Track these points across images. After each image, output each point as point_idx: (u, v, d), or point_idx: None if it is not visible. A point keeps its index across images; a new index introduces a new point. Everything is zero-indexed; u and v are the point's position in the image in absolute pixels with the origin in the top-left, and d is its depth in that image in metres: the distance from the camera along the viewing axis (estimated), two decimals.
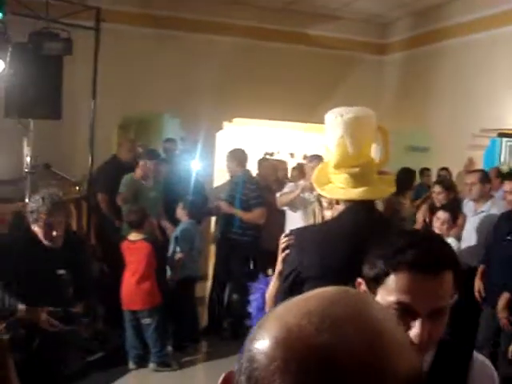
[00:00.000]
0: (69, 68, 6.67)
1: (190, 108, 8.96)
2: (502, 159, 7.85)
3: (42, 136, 6.84)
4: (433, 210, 5.77)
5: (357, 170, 2.45)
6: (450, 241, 5.24)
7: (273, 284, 2.75)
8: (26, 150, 6.67)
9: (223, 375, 0.76)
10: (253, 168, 7.29)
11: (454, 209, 5.60)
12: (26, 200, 6.74)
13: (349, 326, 0.67)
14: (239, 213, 6.46)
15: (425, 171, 8.37)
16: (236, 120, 9.96)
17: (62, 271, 4.12)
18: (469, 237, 5.62)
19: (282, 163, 8.44)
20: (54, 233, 3.88)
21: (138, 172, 6.81)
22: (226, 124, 9.86)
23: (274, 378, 0.65)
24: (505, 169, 6.79)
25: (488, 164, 7.64)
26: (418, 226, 6.39)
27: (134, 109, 8.82)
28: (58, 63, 6.48)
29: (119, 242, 5.87)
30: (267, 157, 8.32)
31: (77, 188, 7.48)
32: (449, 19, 8.73)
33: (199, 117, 8.84)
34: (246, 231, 6.49)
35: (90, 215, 7.06)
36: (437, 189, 6.19)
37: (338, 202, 2.61)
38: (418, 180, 8.07)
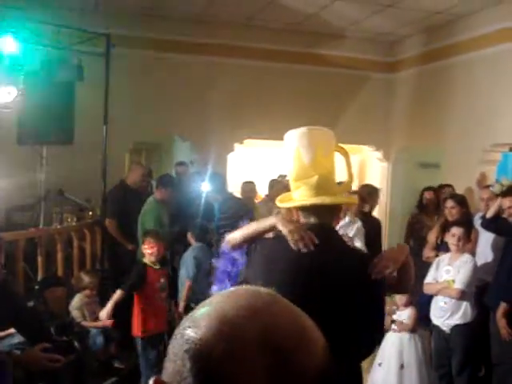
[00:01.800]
0: (80, 94, 6.75)
1: (201, 131, 9.02)
2: None
3: (55, 162, 6.92)
4: (445, 229, 5.69)
5: (314, 179, 2.44)
6: (466, 257, 5.21)
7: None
8: (40, 176, 6.74)
9: (152, 379, 0.80)
10: (263, 189, 7.31)
11: (468, 223, 5.54)
12: (41, 226, 6.82)
13: (276, 313, 0.79)
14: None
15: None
16: (247, 142, 9.99)
17: None
18: (483, 252, 5.59)
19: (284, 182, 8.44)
20: None
21: (158, 195, 6.82)
22: (237, 146, 9.89)
23: (225, 367, 0.73)
24: (497, 189, 6.63)
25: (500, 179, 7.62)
26: (430, 247, 6.33)
27: (145, 133, 8.88)
28: (69, 89, 6.57)
29: (130, 267, 5.85)
30: (279, 179, 8.32)
31: (90, 213, 7.51)
32: (457, 35, 8.75)
33: (210, 139, 8.89)
34: None
35: (103, 240, 7.08)
36: (449, 204, 6.11)
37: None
38: None
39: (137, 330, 5.54)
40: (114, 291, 6.80)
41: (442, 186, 7.71)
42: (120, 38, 7.35)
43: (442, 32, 9.12)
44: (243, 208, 6.76)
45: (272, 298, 0.82)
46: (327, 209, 2.52)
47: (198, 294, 6.16)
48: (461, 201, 6.17)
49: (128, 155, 9.25)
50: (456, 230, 5.22)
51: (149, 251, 5.58)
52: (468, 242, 5.31)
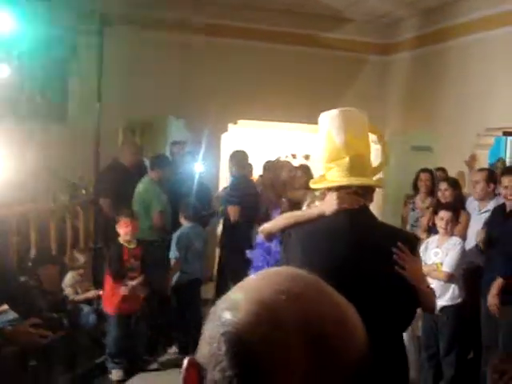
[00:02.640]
0: (74, 71, 6.71)
1: (195, 110, 8.99)
2: (508, 157, 7.85)
3: (47, 139, 6.90)
4: (436, 211, 5.74)
5: (346, 160, 2.46)
6: (455, 240, 5.25)
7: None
8: (32, 153, 6.73)
9: (187, 360, 0.80)
10: (258, 169, 7.31)
11: (456, 207, 5.57)
12: (33, 203, 6.81)
13: (316, 299, 0.78)
14: (221, 209, 6.74)
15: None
16: (241, 122, 9.98)
17: None
18: (473, 236, 5.63)
19: (288, 164, 8.41)
20: None
21: (154, 176, 6.81)
22: (230, 126, 9.88)
23: (263, 352, 0.72)
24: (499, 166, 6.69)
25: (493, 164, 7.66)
26: (423, 230, 6.36)
27: (138, 111, 8.84)
28: (63, 67, 6.53)
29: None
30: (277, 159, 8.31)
31: (83, 191, 7.51)
32: (453, 18, 8.72)
33: (204, 119, 8.86)
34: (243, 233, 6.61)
35: (96, 218, 7.08)
36: (443, 186, 6.15)
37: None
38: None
39: (108, 307, 5.62)
40: None
41: (435, 170, 7.74)
42: (114, 16, 7.30)
43: (438, 15, 9.09)
44: (253, 189, 6.88)
45: (312, 282, 0.81)
46: (361, 193, 2.55)
47: (190, 275, 6.22)
48: (454, 183, 6.22)
49: (121, 133, 9.22)
50: (444, 214, 5.28)
51: (122, 230, 5.63)
52: (456, 225, 5.36)
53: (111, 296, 5.60)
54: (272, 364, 0.72)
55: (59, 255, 6.37)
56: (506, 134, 7.71)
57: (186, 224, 6.29)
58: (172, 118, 9.45)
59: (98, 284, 6.25)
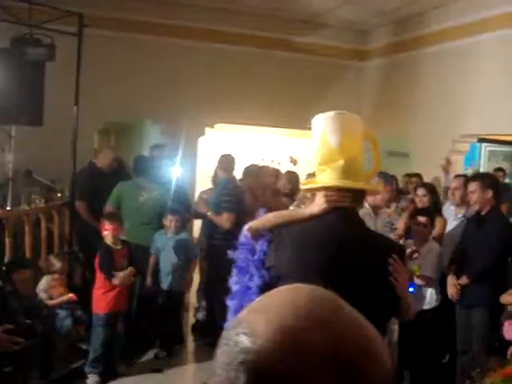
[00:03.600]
0: (51, 74, 6.64)
1: (172, 114, 8.96)
2: (482, 164, 7.94)
3: (23, 142, 6.81)
4: (412, 216, 5.79)
5: (340, 162, 2.44)
6: (431, 244, 5.30)
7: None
8: (8, 157, 6.64)
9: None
10: (237, 173, 7.29)
11: (431, 212, 5.62)
12: (8, 207, 6.72)
13: (339, 323, 0.72)
14: (210, 214, 6.56)
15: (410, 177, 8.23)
16: (218, 126, 9.97)
17: None
18: (451, 240, 5.67)
19: (269, 170, 8.37)
20: None
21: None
22: (208, 130, 9.86)
23: (287, 380, 0.66)
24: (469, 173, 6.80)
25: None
26: (399, 233, 6.40)
27: (116, 114, 8.79)
28: (40, 69, 6.45)
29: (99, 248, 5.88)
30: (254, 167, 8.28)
31: (58, 194, 7.42)
32: (428, 26, 8.84)
33: (181, 123, 8.84)
34: (227, 236, 6.50)
35: (72, 222, 7.00)
36: (421, 191, 6.12)
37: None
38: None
39: (97, 307, 5.61)
40: (82, 273, 6.81)
41: (410, 175, 7.81)
42: (92, 17, 7.24)
43: (413, 22, 9.20)
44: (242, 194, 6.81)
45: (334, 305, 0.75)
46: (352, 194, 2.54)
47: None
48: (432, 189, 6.25)
49: (96, 137, 9.14)
50: (421, 219, 5.33)
51: (105, 232, 5.70)
52: (432, 229, 5.41)
53: (102, 295, 5.60)
54: None
55: (34, 259, 6.29)
56: (481, 140, 7.80)
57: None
58: (149, 121, 9.40)
59: (73, 288, 6.20)
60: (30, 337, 4.82)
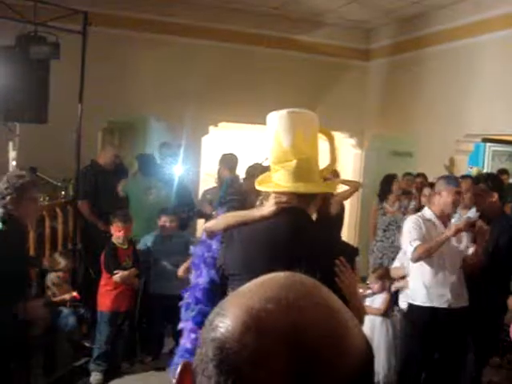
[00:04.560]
0: (56, 72, 6.64)
1: (176, 112, 8.96)
2: (486, 164, 7.94)
3: (28, 140, 6.82)
4: None
5: (292, 163, 2.40)
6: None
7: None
8: (12, 154, 6.64)
9: (182, 363, 0.79)
10: (240, 172, 7.28)
11: None
12: None
13: (307, 307, 0.73)
14: (214, 214, 6.56)
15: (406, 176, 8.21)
16: (222, 124, 9.97)
17: None
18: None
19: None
20: None
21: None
22: (211, 128, 9.86)
23: (247, 361, 0.69)
24: (474, 173, 6.78)
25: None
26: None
27: (120, 112, 8.80)
28: (45, 67, 6.46)
29: (103, 246, 5.88)
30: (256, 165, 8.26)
31: (62, 192, 7.44)
32: (433, 26, 8.82)
33: (185, 121, 8.84)
34: None
35: (76, 220, 7.02)
36: (428, 192, 6.02)
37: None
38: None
39: (102, 304, 5.65)
40: (86, 271, 6.82)
41: (411, 175, 7.83)
42: (97, 16, 7.26)
43: (417, 22, 9.19)
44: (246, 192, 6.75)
45: (307, 290, 0.76)
46: (303, 195, 2.52)
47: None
48: None
49: (101, 134, 9.17)
50: None
51: (115, 233, 5.75)
52: None
53: (106, 293, 5.64)
54: (255, 374, 0.68)
55: (38, 257, 6.30)
56: (486, 140, 7.80)
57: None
58: (153, 119, 9.41)
59: (77, 286, 6.21)
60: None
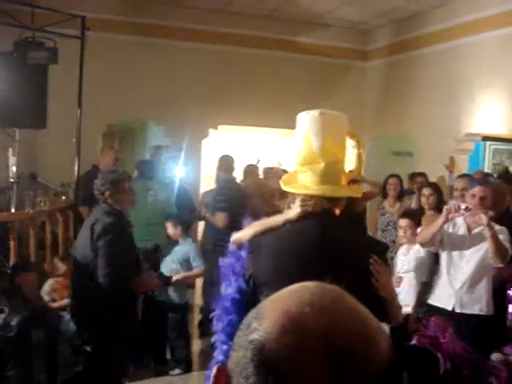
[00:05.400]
0: (54, 77, 6.65)
1: (176, 115, 8.96)
2: (487, 162, 7.93)
3: (27, 145, 6.83)
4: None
5: (320, 165, 2.39)
6: (416, 249, 5.17)
7: None
8: (12, 160, 6.64)
9: (216, 367, 0.82)
10: (238, 174, 7.29)
11: (416, 215, 5.48)
12: (12, 210, 6.73)
13: (339, 311, 0.79)
14: (208, 215, 6.57)
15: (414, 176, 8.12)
16: (222, 127, 9.97)
17: None
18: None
19: (278, 171, 8.29)
20: None
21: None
22: (211, 131, 9.86)
23: (286, 361, 0.74)
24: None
25: (472, 168, 7.72)
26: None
27: (119, 117, 8.81)
28: (43, 72, 6.47)
29: None
30: (255, 164, 8.24)
31: (63, 197, 7.43)
32: (430, 26, 8.82)
33: (185, 124, 8.85)
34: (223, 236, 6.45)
35: (76, 225, 7.01)
36: (427, 191, 5.92)
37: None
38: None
39: None
40: None
41: (414, 175, 7.76)
42: (95, 20, 7.26)
43: (415, 22, 9.19)
44: (241, 193, 6.69)
45: (337, 296, 0.82)
46: (330, 198, 2.51)
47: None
48: (437, 188, 6.10)
49: (101, 139, 9.17)
50: (402, 222, 5.27)
51: None
52: (415, 233, 5.23)
53: None
54: (294, 374, 0.73)
55: (39, 263, 6.29)
56: (486, 138, 7.78)
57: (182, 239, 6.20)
58: (152, 123, 9.42)
59: None
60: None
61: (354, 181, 2.80)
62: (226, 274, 3.08)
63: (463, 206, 4.48)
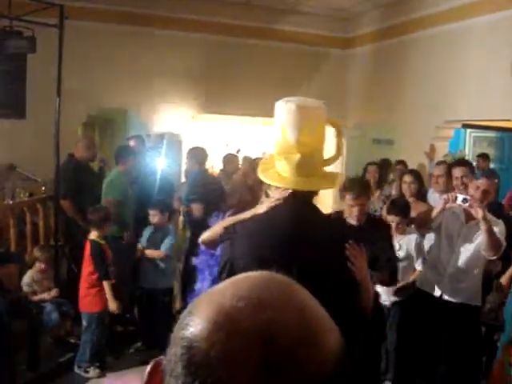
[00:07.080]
0: (33, 66, 6.58)
1: (156, 105, 8.93)
2: (467, 149, 7.99)
3: (6, 136, 6.76)
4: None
5: (296, 157, 2.37)
6: (410, 237, 5.16)
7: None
8: None
9: (151, 364, 0.76)
10: (218, 164, 7.29)
11: (403, 208, 5.30)
12: None
13: (281, 306, 0.71)
14: (182, 208, 6.56)
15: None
16: (203, 116, 9.94)
17: None
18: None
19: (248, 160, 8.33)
20: None
21: (121, 168, 6.71)
22: (192, 120, 9.83)
23: (215, 361, 0.67)
24: (449, 159, 6.78)
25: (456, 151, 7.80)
26: None
27: (98, 106, 8.75)
28: (21, 61, 6.40)
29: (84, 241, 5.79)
30: (236, 153, 8.26)
31: (43, 188, 7.37)
32: (412, 12, 8.82)
33: (165, 114, 8.81)
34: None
35: (57, 215, 6.96)
36: (408, 179, 5.87)
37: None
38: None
39: (95, 305, 5.51)
40: (69, 266, 6.75)
41: (388, 162, 7.84)
42: (73, 9, 7.18)
43: (398, 9, 9.18)
44: (216, 184, 6.68)
45: (282, 289, 0.75)
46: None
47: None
48: (418, 176, 6.07)
49: (81, 129, 9.09)
50: (392, 218, 5.14)
51: (94, 232, 5.64)
52: (404, 225, 5.17)
53: (98, 292, 5.50)
54: (225, 374, 0.66)
55: (19, 253, 6.25)
56: (466, 126, 7.83)
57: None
58: (133, 112, 9.36)
59: (60, 282, 6.16)
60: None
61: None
62: (201, 268, 3.10)
63: (460, 198, 4.48)
